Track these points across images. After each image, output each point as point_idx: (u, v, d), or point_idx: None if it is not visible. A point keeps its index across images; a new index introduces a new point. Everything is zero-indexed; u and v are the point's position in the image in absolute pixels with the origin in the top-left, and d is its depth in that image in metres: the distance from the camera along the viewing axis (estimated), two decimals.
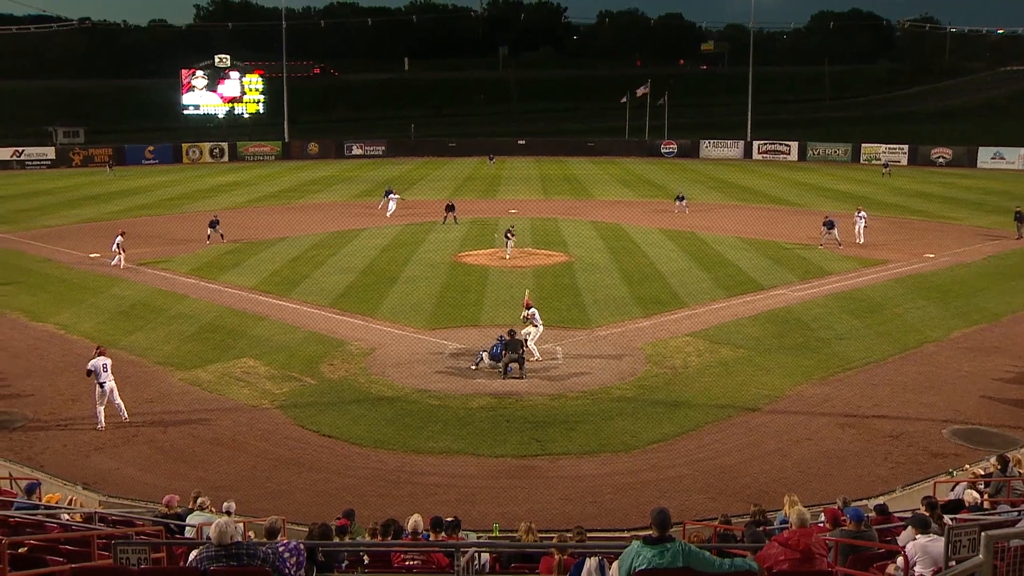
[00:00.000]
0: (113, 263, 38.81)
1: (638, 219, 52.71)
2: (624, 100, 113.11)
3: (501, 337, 24.66)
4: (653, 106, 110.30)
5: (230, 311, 31.56)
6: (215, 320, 30.35)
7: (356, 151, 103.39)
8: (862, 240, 43.98)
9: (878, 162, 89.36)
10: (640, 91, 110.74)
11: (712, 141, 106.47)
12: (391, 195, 54.39)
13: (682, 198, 56.18)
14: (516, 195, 65.54)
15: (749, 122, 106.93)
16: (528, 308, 26.34)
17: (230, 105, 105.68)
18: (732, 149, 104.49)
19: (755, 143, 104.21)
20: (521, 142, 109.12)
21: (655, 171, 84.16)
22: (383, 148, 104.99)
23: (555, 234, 47.43)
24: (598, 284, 35.35)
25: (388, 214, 52.71)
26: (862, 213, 45.05)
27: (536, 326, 25.88)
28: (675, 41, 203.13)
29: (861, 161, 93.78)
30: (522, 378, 23.90)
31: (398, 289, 34.70)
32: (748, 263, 39.69)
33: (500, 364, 24.20)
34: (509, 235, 40.74)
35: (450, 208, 51.14)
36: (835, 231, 43.39)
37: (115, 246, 39.01)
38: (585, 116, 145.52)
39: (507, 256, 40.06)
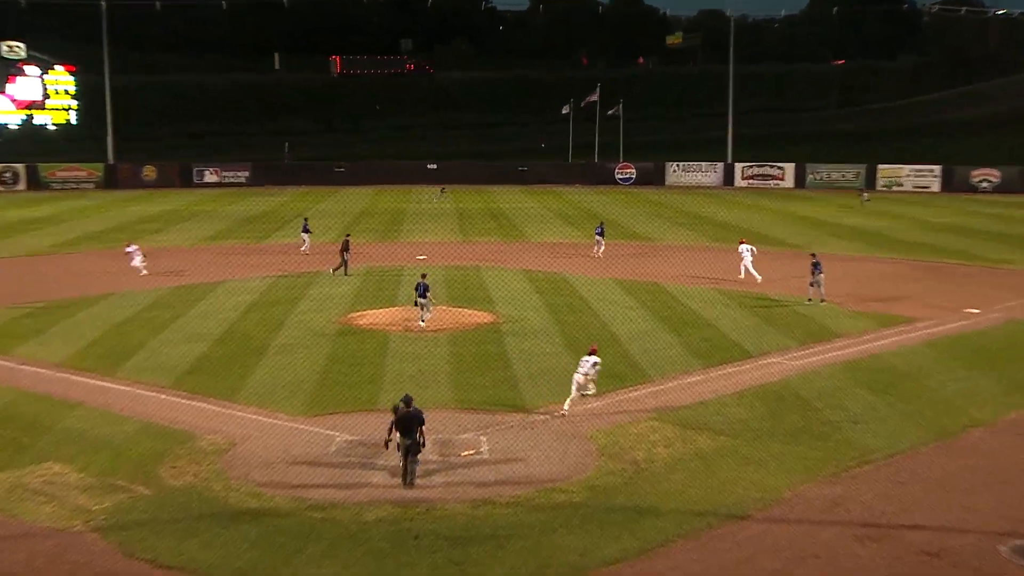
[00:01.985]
0: None
1: (586, 267, 53.11)
2: (566, 111, 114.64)
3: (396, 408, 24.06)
4: (604, 118, 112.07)
5: (27, 396, 30.72)
6: (4, 409, 29.51)
7: (209, 178, 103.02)
8: (743, 276, 48.26)
9: (900, 188, 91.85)
10: (587, 100, 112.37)
11: (682, 164, 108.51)
12: (134, 248, 51.54)
13: (601, 231, 58.08)
14: (425, 236, 65.58)
15: (730, 138, 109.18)
16: (592, 354, 28.51)
17: (27, 112, 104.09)
18: (708, 174, 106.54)
19: (738, 166, 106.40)
20: (432, 166, 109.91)
21: (608, 203, 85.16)
22: (246, 174, 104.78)
23: (477, 287, 47.55)
24: (534, 352, 35.38)
25: (140, 267, 50.60)
26: (744, 247, 49.31)
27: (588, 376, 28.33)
28: (632, 33, 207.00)
29: (878, 187, 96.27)
30: (411, 482, 23.53)
31: (268, 363, 34.29)
32: (730, 323, 40.20)
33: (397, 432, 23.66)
34: (422, 291, 39.18)
35: (345, 247, 50.78)
36: (818, 277, 44.38)
37: None
38: (516, 132, 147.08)
39: (423, 322, 39.24)
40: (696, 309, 42.89)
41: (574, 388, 28.42)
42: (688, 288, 47.09)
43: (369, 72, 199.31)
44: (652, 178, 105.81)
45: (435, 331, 38.50)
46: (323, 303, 44.00)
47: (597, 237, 58.33)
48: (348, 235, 52.81)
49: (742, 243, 50.43)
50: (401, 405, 23.90)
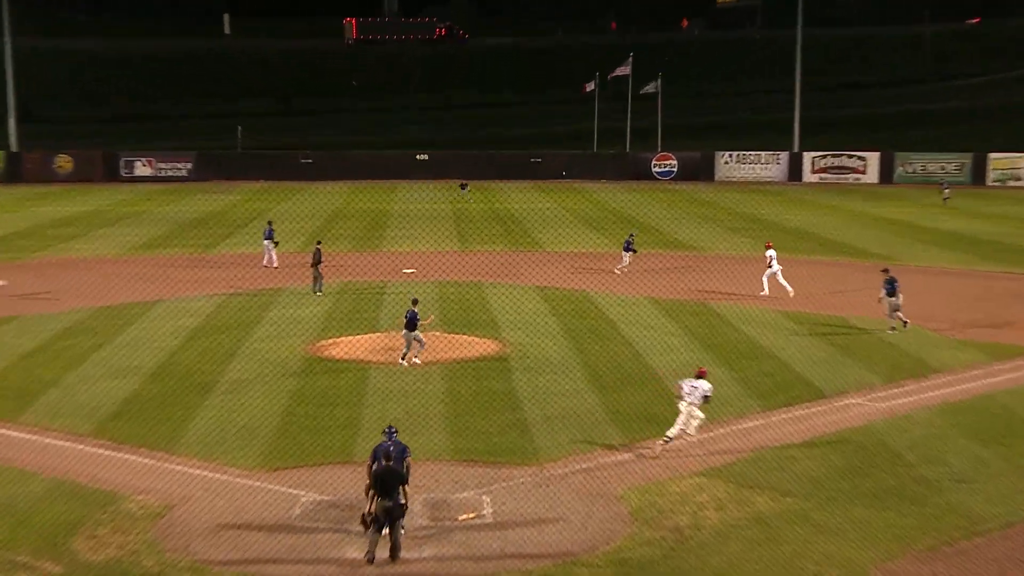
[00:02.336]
0: None
1: (614, 283, 53.23)
2: (591, 88, 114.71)
3: (376, 457, 23.93)
4: (637, 97, 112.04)
5: None
6: None
7: (140, 170, 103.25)
8: (791, 291, 49.66)
9: (1017, 183, 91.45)
10: (616, 73, 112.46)
11: (735, 154, 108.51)
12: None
13: (631, 246, 57.66)
14: (413, 244, 65.60)
15: (796, 120, 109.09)
16: (700, 378, 29.53)
17: None
18: (769, 166, 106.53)
19: (807, 155, 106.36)
20: (422, 157, 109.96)
21: (643, 204, 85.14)
22: (188, 166, 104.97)
23: (479, 308, 47.73)
24: (550, 390, 35.37)
25: None
26: (773, 252, 50.68)
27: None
28: None
29: (989, 182, 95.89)
30: (394, 556, 23.33)
31: (215, 403, 34.27)
32: (797, 354, 40.15)
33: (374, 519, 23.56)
34: (410, 321, 38.78)
35: (316, 259, 50.78)
36: (897, 298, 44.09)
37: None
38: (528, 115, 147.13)
39: (404, 360, 38.89)
40: (754, 336, 42.87)
41: (687, 420, 29.26)
42: (744, 309, 47.15)
43: (392, 39, 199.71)
44: (698, 172, 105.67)
45: (427, 363, 38.44)
46: (285, 328, 43.97)
47: (624, 252, 57.91)
48: (319, 243, 52.61)
49: (769, 247, 51.05)
50: (385, 436, 23.78)
